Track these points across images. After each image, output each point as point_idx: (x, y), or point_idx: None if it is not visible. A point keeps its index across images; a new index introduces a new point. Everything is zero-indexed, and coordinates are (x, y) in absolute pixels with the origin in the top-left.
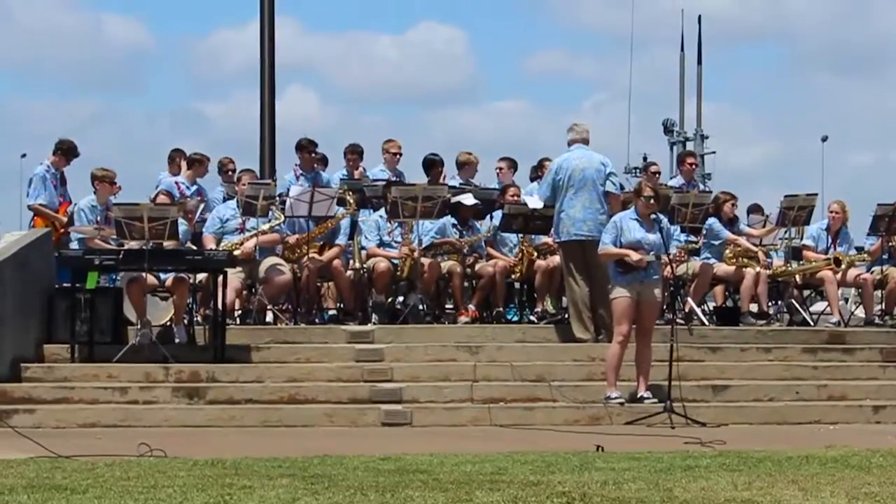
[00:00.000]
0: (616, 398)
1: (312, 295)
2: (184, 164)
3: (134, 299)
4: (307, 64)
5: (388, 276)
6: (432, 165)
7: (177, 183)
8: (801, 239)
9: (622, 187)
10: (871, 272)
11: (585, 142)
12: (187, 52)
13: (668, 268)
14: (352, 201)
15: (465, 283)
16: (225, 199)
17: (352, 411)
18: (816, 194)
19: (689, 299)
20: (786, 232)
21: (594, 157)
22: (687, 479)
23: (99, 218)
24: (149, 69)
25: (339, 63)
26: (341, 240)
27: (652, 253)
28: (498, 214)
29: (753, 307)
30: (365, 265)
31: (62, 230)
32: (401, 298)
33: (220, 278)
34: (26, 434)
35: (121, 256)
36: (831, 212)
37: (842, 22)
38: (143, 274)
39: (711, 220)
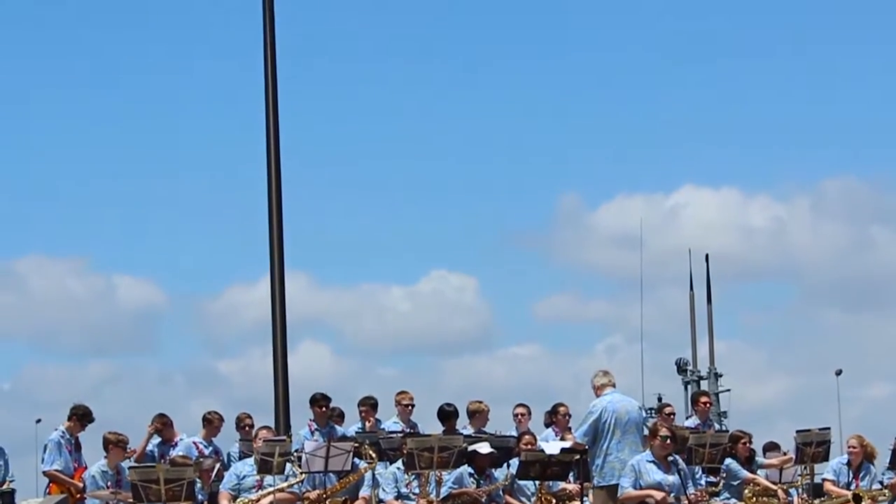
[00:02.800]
0: None
1: None
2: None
3: None
4: (320, 318)
5: None
6: (447, 416)
7: (195, 443)
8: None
9: None
10: None
11: (614, 385)
12: (200, 310)
13: None
14: (372, 454)
15: None
16: (242, 457)
17: None
18: (829, 429)
19: None
20: (805, 468)
21: (632, 401)
22: None
23: (110, 483)
24: (162, 329)
25: (351, 316)
26: (365, 492)
27: (672, 495)
28: (514, 462)
29: None
30: None
31: (78, 496)
32: None
33: None
34: None
35: None
36: (850, 447)
37: (847, 257)
38: None
39: (728, 461)
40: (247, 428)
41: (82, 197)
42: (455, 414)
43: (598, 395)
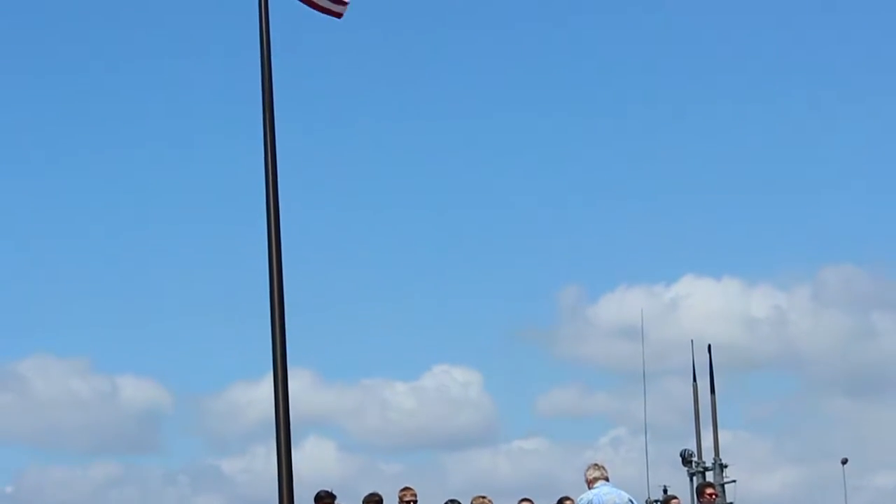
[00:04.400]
0: None
1: None
2: None
3: None
4: (324, 414)
5: None
6: None
7: None
8: None
9: None
10: None
11: (607, 479)
12: (204, 408)
13: None
14: None
15: None
16: None
17: None
18: None
19: None
20: None
21: (622, 493)
22: None
23: None
24: (166, 428)
25: (355, 412)
26: None
27: None
28: None
29: None
30: None
31: None
32: None
33: None
34: None
35: None
36: None
37: (849, 345)
38: None
39: None
40: None
41: (83, 296)
42: None
43: (590, 488)
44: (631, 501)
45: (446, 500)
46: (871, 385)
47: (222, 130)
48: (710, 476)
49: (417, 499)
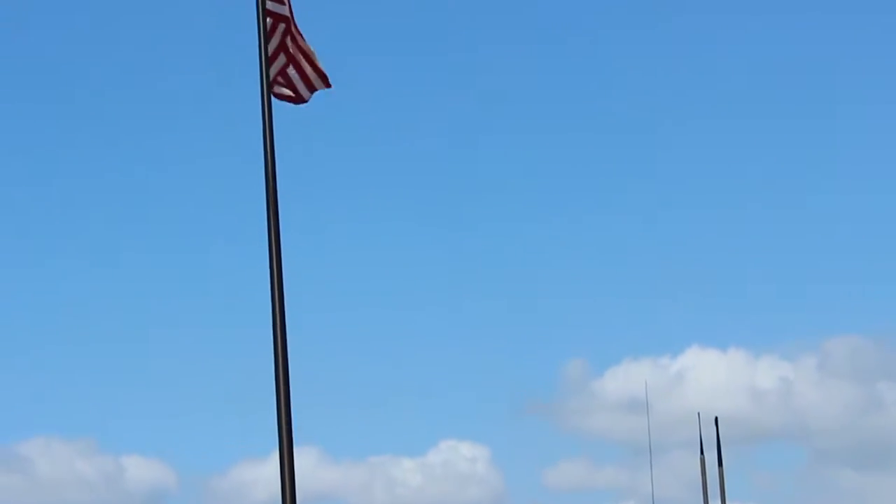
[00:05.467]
0: None
1: None
2: None
3: None
4: (331, 492)
5: None
6: None
7: None
8: None
9: None
10: None
11: None
12: (209, 488)
13: None
14: None
15: None
16: None
17: None
18: None
19: None
20: None
21: None
22: None
23: None
24: None
25: (363, 490)
26: None
27: None
28: None
29: None
30: None
31: None
32: None
33: None
34: None
35: None
36: None
37: (856, 416)
38: None
39: None
40: None
41: (87, 375)
42: None
43: None
44: None
45: None
46: (879, 456)
47: (230, 246)
48: None
49: None
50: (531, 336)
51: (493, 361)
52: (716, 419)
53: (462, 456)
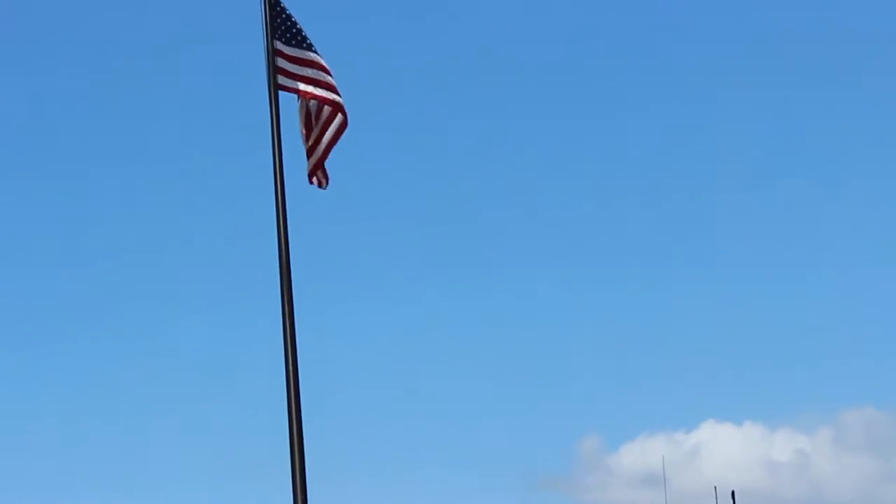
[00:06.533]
0: None
1: None
2: None
3: None
4: None
5: None
6: None
7: None
8: None
9: None
10: None
11: None
12: None
13: None
14: None
15: None
16: None
17: None
18: None
19: None
20: None
21: None
22: None
23: None
24: None
25: None
26: None
27: None
28: None
29: None
30: None
31: None
32: None
33: None
34: None
35: None
36: None
37: (873, 489)
38: None
39: None
40: None
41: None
42: None
43: None
44: None
45: None
46: None
47: (244, 356)
48: None
49: None
50: (546, 411)
51: (508, 436)
52: (732, 493)
53: None
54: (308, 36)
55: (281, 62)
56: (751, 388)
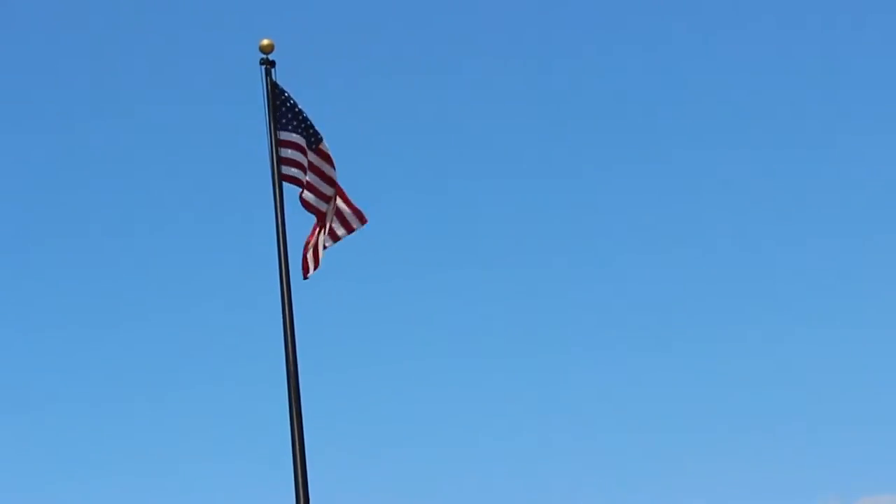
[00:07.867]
0: None
1: None
2: None
3: None
4: None
5: None
6: None
7: None
8: None
9: None
10: None
11: None
12: None
13: None
14: None
15: None
16: None
17: None
18: None
19: None
20: None
21: None
22: None
23: None
24: None
25: None
26: None
27: None
28: None
29: None
30: None
31: None
32: None
33: None
34: None
35: None
36: None
37: None
38: None
39: None
40: None
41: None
42: None
43: None
44: None
45: None
46: None
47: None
48: None
49: None
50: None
51: None
52: None
53: None
54: (313, 123)
55: (285, 152)
56: (766, 474)
